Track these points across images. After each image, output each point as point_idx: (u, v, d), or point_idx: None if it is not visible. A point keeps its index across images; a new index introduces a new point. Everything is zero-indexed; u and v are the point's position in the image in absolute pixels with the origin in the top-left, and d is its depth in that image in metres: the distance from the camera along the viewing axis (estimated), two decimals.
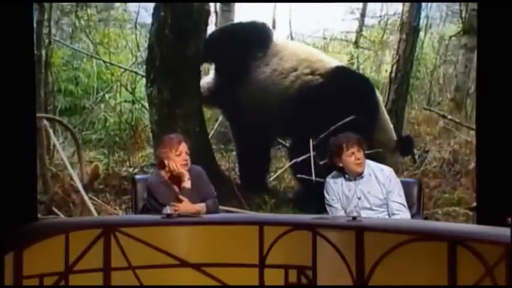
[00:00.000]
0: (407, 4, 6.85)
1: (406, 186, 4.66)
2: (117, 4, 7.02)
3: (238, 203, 6.67)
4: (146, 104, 6.88)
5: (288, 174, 6.92)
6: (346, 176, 4.64)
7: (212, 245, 3.96)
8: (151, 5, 6.70)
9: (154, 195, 4.54)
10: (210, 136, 6.95)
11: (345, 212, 4.40)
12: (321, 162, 6.22)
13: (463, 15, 6.90)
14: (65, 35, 6.90)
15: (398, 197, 4.54)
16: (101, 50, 6.96)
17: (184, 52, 6.67)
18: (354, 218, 3.90)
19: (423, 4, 6.86)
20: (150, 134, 6.86)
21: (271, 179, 6.91)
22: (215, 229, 4.02)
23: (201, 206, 4.48)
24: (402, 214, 4.50)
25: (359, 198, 4.57)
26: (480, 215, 5.95)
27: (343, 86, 6.66)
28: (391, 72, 6.96)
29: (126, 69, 7.00)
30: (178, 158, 4.55)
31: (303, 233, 3.87)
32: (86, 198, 6.62)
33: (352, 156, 4.56)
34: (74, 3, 6.79)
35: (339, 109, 6.48)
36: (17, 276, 3.50)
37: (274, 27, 7.00)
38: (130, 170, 6.83)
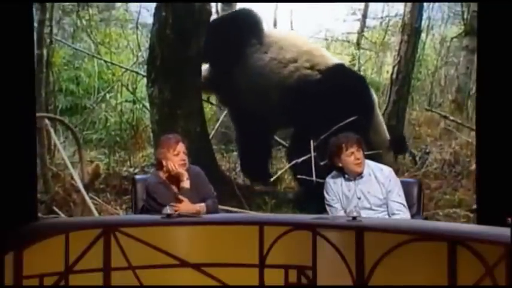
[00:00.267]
0: (409, 5, 6.85)
1: (406, 186, 4.66)
2: (119, 4, 7.03)
3: (239, 203, 6.67)
4: (147, 104, 6.88)
5: (289, 175, 6.91)
6: (346, 176, 4.64)
7: (212, 245, 3.96)
8: (153, 5, 6.70)
9: (153, 196, 4.54)
10: (210, 136, 6.95)
11: (345, 212, 4.40)
12: (322, 163, 6.21)
13: (465, 16, 6.90)
14: (66, 35, 6.91)
15: (398, 196, 4.54)
16: (102, 50, 6.96)
17: (186, 52, 6.68)
18: (354, 218, 3.90)
19: (425, 5, 6.86)
20: (151, 134, 6.86)
21: (272, 179, 6.91)
22: (215, 229, 4.02)
23: (201, 206, 4.48)
24: (402, 214, 4.50)
25: (359, 198, 4.57)
26: (480, 216, 5.95)
27: (340, 84, 6.66)
28: (392, 74, 6.96)
29: (127, 69, 7.01)
30: (176, 158, 4.55)
31: (303, 233, 3.87)
32: (86, 197, 6.62)
33: (352, 156, 4.56)
34: (75, 3, 6.79)
35: (335, 108, 6.49)
36: (17, 276, 3.50)
37: (275, 27, 7.00)
38: (131, 170, 6.83)
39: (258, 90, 6.77)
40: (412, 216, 4.57)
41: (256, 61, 6.76)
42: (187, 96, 6.74)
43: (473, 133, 6.53)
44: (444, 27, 6.99)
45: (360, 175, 4.60)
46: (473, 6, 6.70)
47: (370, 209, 4.54)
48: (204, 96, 6.95)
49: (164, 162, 4.57)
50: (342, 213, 4.50)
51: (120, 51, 7.03)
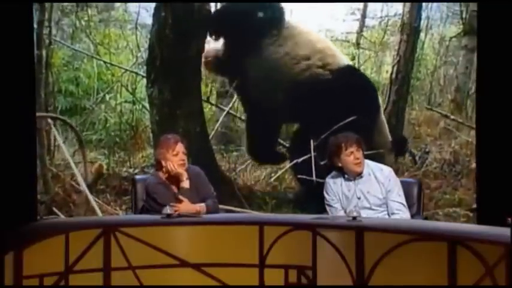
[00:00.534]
0: (408, 5, 6.85)
1: (406, 186, 4.66)
2: (118, 4, 7.02)
3: (239, 203, 6.68)
4: (147, 105, 6.88)
5: (289, 174, 6.91)
6: (346, 175, 4.65)
7: (212, 245, 3.96)
8: (152, 6, 6.70)
9: (153, 196, 4.55)
10: (210, 137, 6.95)
11: (345, 212, 4.40)
12: (322, 163, 6.21)
13: (464, 16, 6.90)
14: (65, 36, 6.90)
15: (397, 196, 4.54)
16: (102, 51, 6.96)
17: (185, 53, 6.68)
18: (354, 218, 3.90)
19: (424, 5, 6.86)
20: (151, 135, 6.86)
21: (272, 179, 6.91)
22: (215, 229, 4.02)
23: (201, 206, 4.49)
24: (402, 214, 4.50)
25: (359, 198, 4.57)
26: (480, 215, 5.95)
27: (348, 85, 6.67)
28: (391, 73, 6.96)
29: (126, 70, 7.00)
30: (176, 158, 4.56)
31: (303, 233, 3.87)
32: (90, 197, 6.63)
33: (351, 156, 4.56)
34: (75, 4, 6.79)
35: (341, 108, 6.49)
36: (17, 276, 3.50)
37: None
38: (131, 170, 6.83)
39: (269, 83, 6.77)
40: (412, 216, 4.57)
41: (272, 53, 6.75)
42: (187, 96, 6.74)
43: (473, 132, 6.53)
44: (443, 26, 6.99)
45: (359, 175, 4.60)
46: (472, 5, 6.71)
47: (370, 208, 4.54)
48: (204, 96, 6.94)
49: (163, 163, 4.58)
50: (341, 213, 4.51)
51: (119, 52, 7.03)
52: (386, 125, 6.78)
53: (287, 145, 6.97)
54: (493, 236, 3.18)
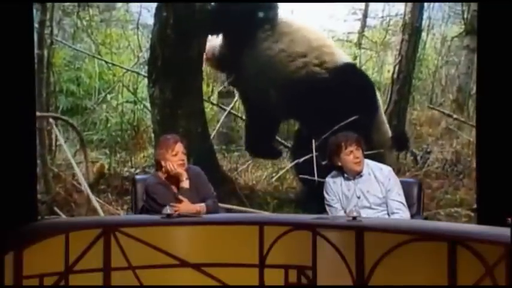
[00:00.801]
0: (410, 5, 6.84)
1: (406, 186, 4.66)
2: (119, 4, 7.01)
3: (240, 203, 6.68)
4: (148, 105, 6.88)
5: (291, 174, 6.91)
6: (345, 175, 4.65)
7: (212, 245, 3.96)
8: (154, 6, 6.70)
9: (153, 196, 4.56)
10: (212, 136, 6.94)
11: (345, 211, 4.40)
12: (323, 163, 6.21)
13: (465, 16, 6.88)
14: (66, 35, 6.89)
15: (397, 195, 4.55)
16: (103, 51, 6.95)
17: (186, 52, 6.68)
18: (354, 218, 3.90)
19: (425, 5, 6.85)
20: (152, 135, 6.85)
21: (273, 179, 6.90)
22: (215, 229, 4.03)
23: (201, 206, 4.49)
24: (402, 213, 4.50)
25: (358, 198, 4.57)
26: (480, 215, 5.95)
27: (346, 83, 6.66)
28: (393, 73, 6.94)
29: (128, 70, 6.99)
30: (175, 158, 4.57)
31: (303, 233, 3.87)
32: (92, 197, 6.63)
33: (351, 155, 4.57)
34: (76, 4, 6.78)
35: (339, 107, 6.49)
36: (17, 276, 3.51)
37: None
38: (132, 170, 6.83)
39: (264, 79, 6.76)
40: (412, 216, 4.58)
41: (266, 49, 6.73)
42: (188, 96, 6.74)
43: (474, 132, 6.52)
44: (445, 26, 6.97)
45: (359, 174, 4.61)
46: (474, 5, 6.68)
47: (370, 208, 4.55)
48: (205, 96, 6.94)
49: (163, 163, 4.59)
50: (341, 213, 4.51)
51: (121, 52, 7.02)
52: (386, 123, 6.77)
53: (289, 145, 6.97)
54: (493, 236, 3.18)
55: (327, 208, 4.69)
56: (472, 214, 6.45)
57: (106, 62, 6.96)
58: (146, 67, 6.86)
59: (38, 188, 6.47)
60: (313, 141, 6.60)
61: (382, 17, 7.04)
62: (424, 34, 6.93)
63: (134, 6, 6.97)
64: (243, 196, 6.76)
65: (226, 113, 7.07)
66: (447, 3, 6.87)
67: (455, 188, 6.71)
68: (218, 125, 7.05)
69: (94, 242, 3.77)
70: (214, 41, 6.83)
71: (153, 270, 3.87)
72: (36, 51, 6.51)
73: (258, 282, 3.91)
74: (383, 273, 3.54)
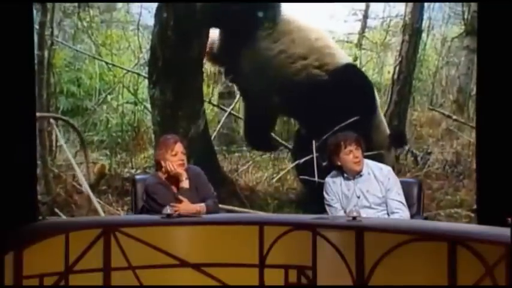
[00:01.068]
0: (410, 5, 6.84)
1: (406, 186, 4.66)
2: (120, 5, 7.02)
3: (241, 204, 6.68)
4: (148, 106, 6.88)
5: (291, 175, 6.91)
6: (345, 175, 4.65)
7: (212, 245, 3.96)
8: (154, 7, 6.70)
9: (153, 197, 4.56)
10: (212, 137, 6.95)
11: (345, 211, 4.41)
12: (324, 164, 6.21)
13: (466, 16, 6.88)
14: (67, 36, 6.89)
15: (397, 195, 4.54)
16: (103, 52, 6.95)
17: (187, 53, 6.68)
18: (354, 218, 3.90)
19: (426, 5, 6.85)
20: (153, 136, 6.85)
21: (274, 180, 6.90)
22: (215, 229, 4.03)
23: (201, 206, 4.49)
24: (401, 212, 4.50)
25: (358, 197, 4.57)
26: (480, 216, 5.95)
27: (345, 84, 6.67)
28: (393, 74, 6.95)
29: (128, 71, 7.00)
30: (175, 158, 4.57)
31: (303, 233, 3.87)
32: (92, 197, 6.63)
33: (351, 155, 4.57)
34: (76, 5, 6.78)
35: (338, 108, 6.49)
36: (17, 276, 3.50)
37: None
38: (133, 171, 6.83)
39: (263, 79, 6.77)
40: (412, 216, 4.57)
41: (266, 49, 6.73)
42: (188, 97, 6.75)
43: (474, 133, 6.52)
44: (445, 27, 6.97)
45: (359, 174, 4.61)
46: (474, 6, 6.68)
47: (370, 207, 4.54)
48: (206, 97, 6.95)
49: (163, 163, 4.59)
50: (341, 213, 4.51)
51: (121, 53, 7.02)
52: (384, 122, 6.77)
53: (289, 146, 6.97)
54: (493, 236, 3.18)
55: (327, 208, 4.69)
56: (473, 215, 6.45)
57: (106, 63, 6.97)
58: (147, 68, 6.87)
59: (39, 189, 6.47)
60: (314, 142, 6.60)
61: (383, 17, 7.05)
62: (424, 35, 6.93)
63: (135, 7, 6.98)
64: (243, 197, 6.76)
65: (226, 114, 7.08)
66: (447, 4, 6.87)
67: (456, 189, 6.71)
68: (219, 126, 7.05)
69: (94, 242, 3.77)
70: (214, 35, 6.81)
71: (153, 270, 3.87)
72: (36, 52, 6.52)
73: (258, 282, 3.91)
74: (383, 273, 3.53)
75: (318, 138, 6.52)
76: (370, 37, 7.11)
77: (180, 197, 4.45)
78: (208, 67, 6.96)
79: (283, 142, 6.99)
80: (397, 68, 6.92)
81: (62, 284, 3.67)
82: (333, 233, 3.80)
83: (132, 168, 6.85)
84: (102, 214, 6.59)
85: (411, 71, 6.93)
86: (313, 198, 6.26)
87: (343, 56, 6.89)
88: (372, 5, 7.02)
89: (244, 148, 7.02)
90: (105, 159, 6.87)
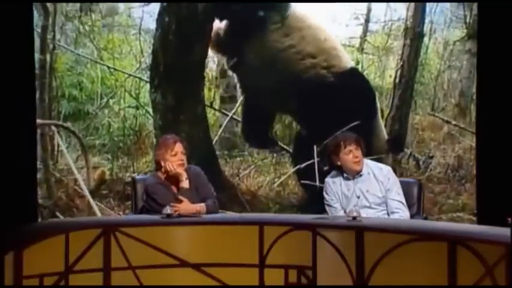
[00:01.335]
0: (412, 9, 6.85)
1: (405, 186, 4.66)
2: (121, 9, 7.04)
3: (242, 208, 6.68)
4: (150, 110, 6.89)
5: (292, 180, 6.91)
6: (345, 175, 4.65)
7: (212, 245, 3.96)
8: (156, 11, 6.72)
9: (153, 197, 4.56)
10: (214, 142, 6.95)
11: (345, 211, 4.40)
12: (325, 168, 6.20)
13: (467, 20, 6.89)
14: (69, 40, 6.92)
15: (397, 195, 4.54)
16: (105, 56, 6.97)
17: (188, 57, 6.69)
18: (354, 218, 3.90)
19: (427, 9, 6.86)
20: (154, 140, 6.85)
21: (275, 185, 6.90)
22: (215, 229, 4.03)
23: (201, 206, 4.49)
24: (401, 212, 4.50)
25: (358, 197, 4.57)
26: (481, 216, 5.94)
27: (349, 88, 6.68)
28: (395, 78, 6.95)
29: (130, 75, 7.01)
30: (174, 158, 4.57)
31: (303, 233, 3.87)
32: (92, 202, 6.64)
33: (350, 154, 4.57)
34: (78, 9, 6.80)
35: (341, 112, 6.49)
36: (17, 276, 3.50)
37: None
38: (134, 175, 6.83)
39: (271, 72, 6.76)
40: (412, 216, 4.57)
41: (275, 42, 6.72)
42: (190, 101, 6.75)
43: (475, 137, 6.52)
44: (447, 31, 6.99)
45: (358, 174, 4.61)
46: (476, 9, 6.70)
47: (370, 207, 4.54)
48: (207, 101, 6.95)
49: (162, 163, 4.59)
50: (341, 213, 4.51)
51: (123, 57, 7.04)
52: (383, 127, 6.77)
53: (290, 150, 6.97)
54: (493, 236, 3.18)
55: (327, 208, 4.69)
56: (474, 219, 6.44)
57: (108, 67, 6.99)
58: (148, 72, 6.89)
59: (40, 193, 6.49)
60: (315, 146, 6.60)
61: (384, 21, 7.06)
62: (426, 39, 6.94)
63: (136, 12, 7.01)
64: (244, 201, 6.76)
65: (228, 118, 7.09)
66: (449, 8, 6.88)
67: (458, 193, 6.71)
68: (220, 130, 7.06)
69: (94, 242, 3.77)
70: (217, 23, 6.80)
71: (153, 270, 3.87)
72: (38, 56, 6.54)
73: (258, 282, 3.90)
74: (383, 273, 3.53)
75: (319, 142, 6.51)
76: (371, 41, 7.13)
77: (180, 197, 4.45)
78: (209, 71, 6.97)
79: (285, 146, 7.00)
80: (399, 72, 6.93)
81: (62, 284, 3.67)
82: (333, 233, 3.80)
83: (134, 172, 6.86)
84: None
85: (413, 74, 6.94)
86: (314, 202, 6.25)
87: (349, 60, 6.90)
88: (374, 9, 7.03)
89: (246, 152, 7.02)
90: (106, 164, 6.88)
